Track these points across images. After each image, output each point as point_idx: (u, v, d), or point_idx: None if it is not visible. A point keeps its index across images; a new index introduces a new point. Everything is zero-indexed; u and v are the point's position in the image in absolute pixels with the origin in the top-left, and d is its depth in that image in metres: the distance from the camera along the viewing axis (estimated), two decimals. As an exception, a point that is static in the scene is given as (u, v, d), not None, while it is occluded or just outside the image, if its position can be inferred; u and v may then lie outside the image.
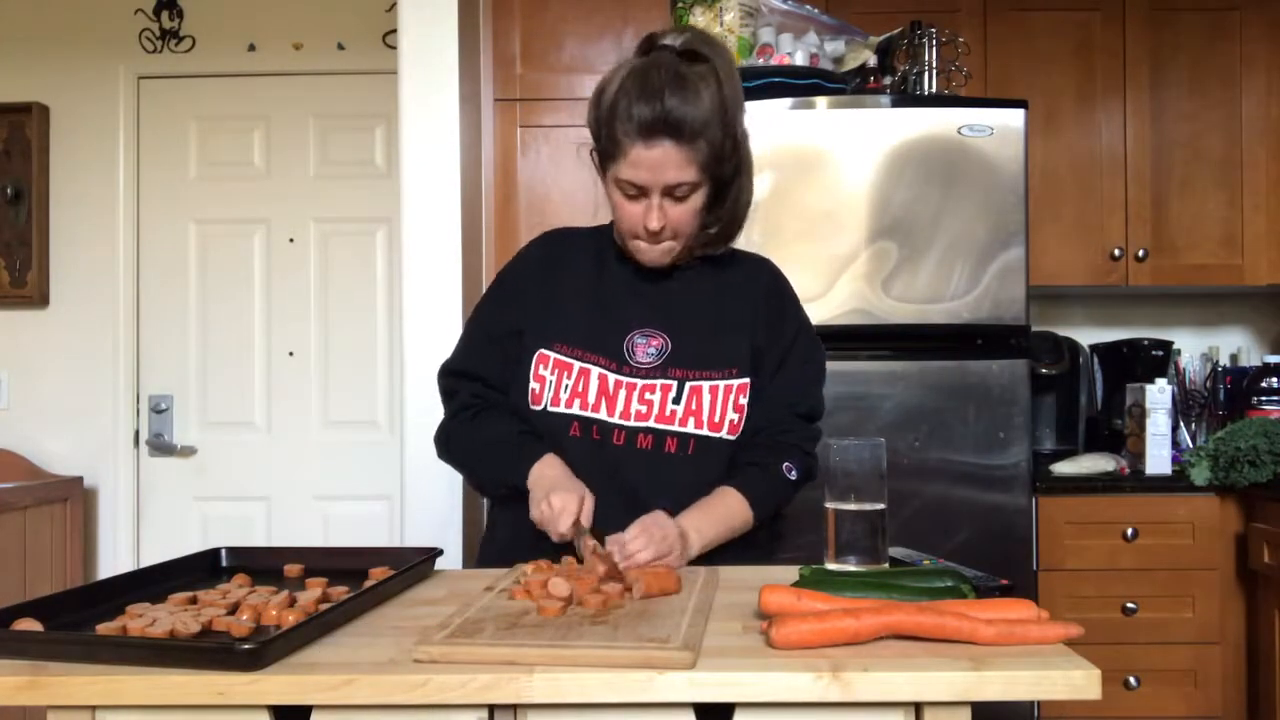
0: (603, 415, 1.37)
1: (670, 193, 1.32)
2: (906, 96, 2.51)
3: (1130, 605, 2.47)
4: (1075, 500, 2.50)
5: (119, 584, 1.13)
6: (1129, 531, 2.48)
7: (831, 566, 1.19)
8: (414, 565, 1.24)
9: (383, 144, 3.17)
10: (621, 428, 1.37)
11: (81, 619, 1.01)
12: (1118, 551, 2.49)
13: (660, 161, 1.29)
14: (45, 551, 2.89)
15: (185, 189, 3.20)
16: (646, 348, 1.40)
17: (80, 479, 3.08)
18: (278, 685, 0.86)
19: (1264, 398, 2.72)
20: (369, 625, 1.04)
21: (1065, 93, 2.85)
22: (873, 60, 2.55)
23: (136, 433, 3.17)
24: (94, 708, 0.88)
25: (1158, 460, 2.58)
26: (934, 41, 2.53)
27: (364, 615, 1.07)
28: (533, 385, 1.40)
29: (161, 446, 3.16)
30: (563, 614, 1.03)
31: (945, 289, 2.34)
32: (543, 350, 1.40)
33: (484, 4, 2.43)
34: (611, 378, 1.38)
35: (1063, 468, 2.59)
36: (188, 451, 3.17)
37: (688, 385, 1.38)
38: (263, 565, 1.26)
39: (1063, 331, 2.98)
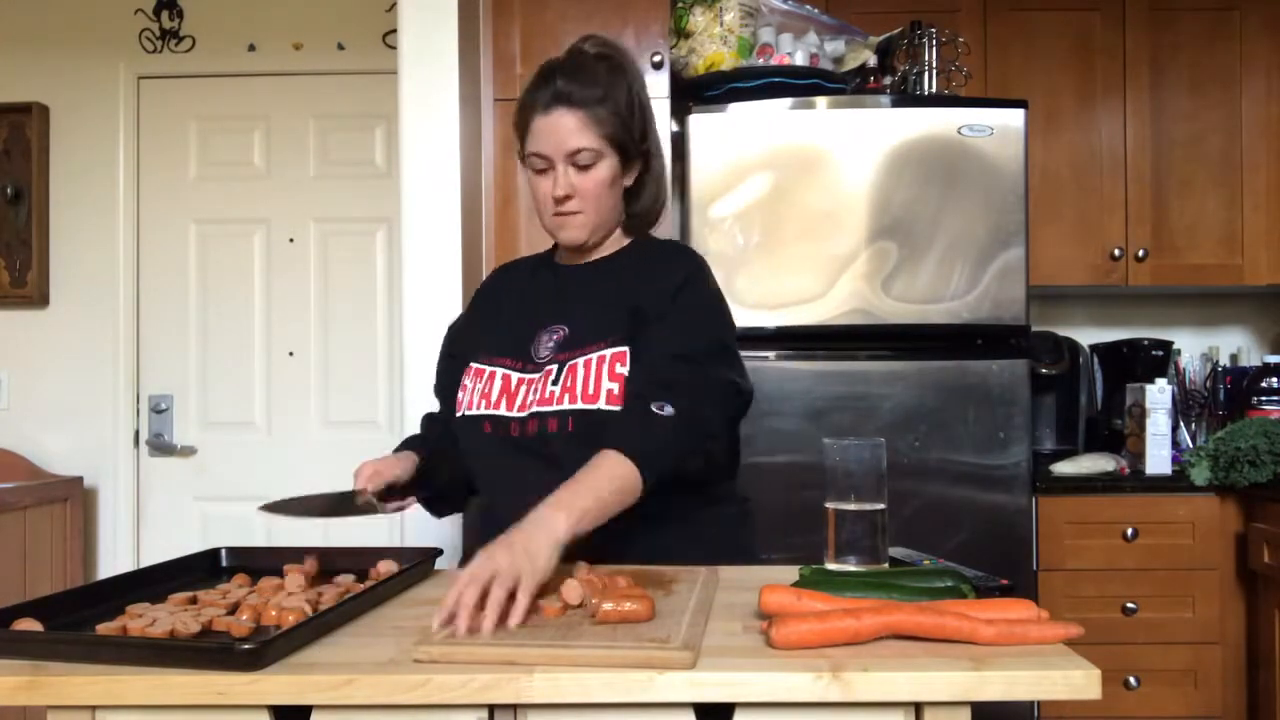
0: (502, 411, 1.39)
1: (573, 161, 1.38)
2: (906, 96, 2.51)
3: (1130, 605, 2.47)
4: (1075, 500, 2.50)
5: (119, 584, 1.13)
6: (1129, 531, 2.48)
7: (831, 566, 1.19)
8: (414, 565, 1.24)
9: (383, 144, 3.17)
10: (516, 419, 1.38)
11: (81, 619, 1.02)
12: (1118, 551, 2.49)
13: (557, 126, 1.36)
14: (45, 551, 2.89)
15: (185, 189, 3.20)
16: (548, 341, 1.42)
17: (80, 479, 3.08)
18: (278, 685, 0.86)
19: (1264, 398, 2.72)
20: (369, 625, 1.04)
21: (1065, 93, 2.85)
22: (873, 60, 2.55)
23: (136, 433, 3.17)
24: (94, 708, 0.88)
25: (1158, 460, 2.58)
26: (934, 41, 2.53)
27: (364, 615, 1.08)
28: (460, 395, 1.46)
29: (161, 446, 3.16)
30: (563, 614, 1.03)
31: (945, 289, 2.34)
32: (471, 363, 1.47)
33: (484, 4, 2.43)
34: (515, 376, 1.41)
35: (1063, 468, 2.59)
36: (188, 451, 3.17)
37: (566, 365, 1.37)
38: (263, 565, 1.26)
39: (1063, 331, 2.98)
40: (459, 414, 1.44)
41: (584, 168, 1.39)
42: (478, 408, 1.41)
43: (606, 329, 1.38)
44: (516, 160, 2.32)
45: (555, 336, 1.42)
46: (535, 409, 1.36)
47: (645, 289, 1.40)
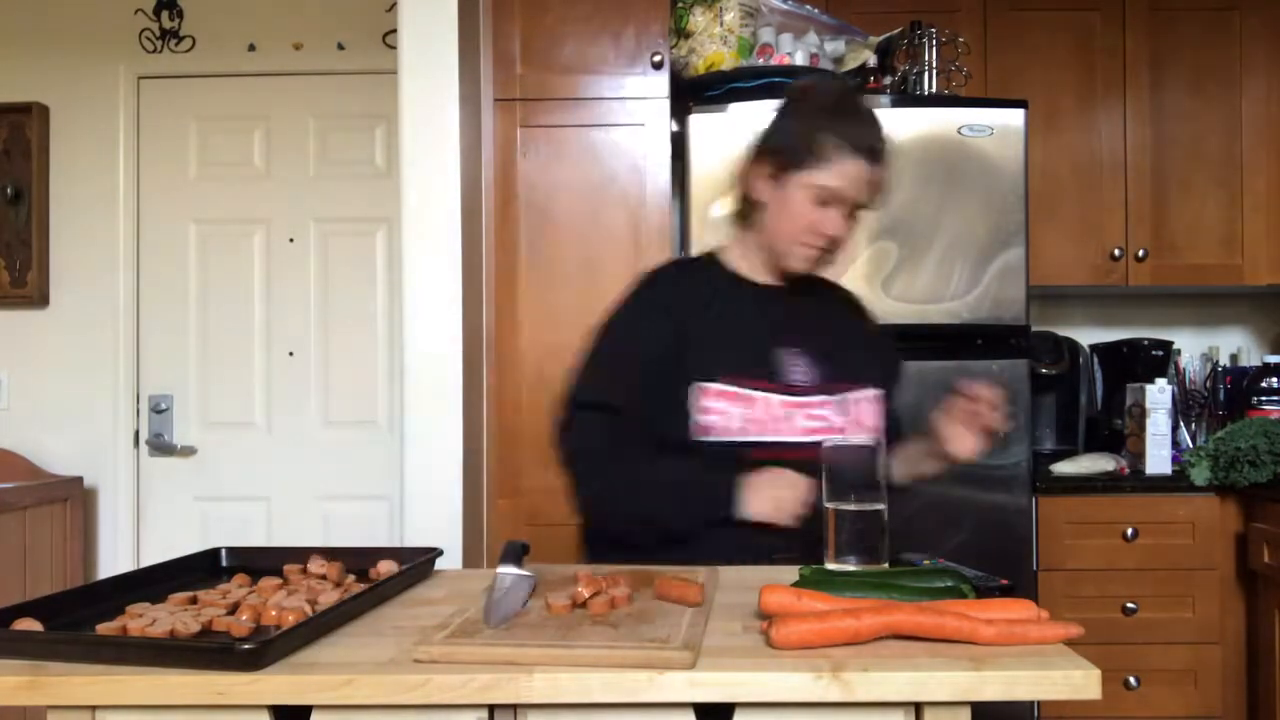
0: (785, 436, 1.43)
1: (852, 210, 1.46)
2: (906, 96, 2.51)
3: (1130, 605, 2.47)
4: (1075, 500, 2.50)
5: (119, 584, 1.13)
6: (1129, 531, 2.48)
7: (831, 566, 1.19)
8: (414, 565, 1.24)
9: (383, 144, 3.17)
10: (800, 445, 1.41)
11: (81, 619, 1.01)
12: (1118, 551, 2.49)
13: (864, 178, 1.44)
14: (45, 551, 2.89)
15: (185, 189, 3.20)
16: (800, 368, 1.48)
17: (80, 479, 3.08)
18: (278, 685, 0.86)
19: (1264, 398, 2.72)
20: (369, 625, 1.04)
21: (1065, 93, 2.85)
22: (873, 60, 2.55)
23: (136, 433, 3.17)
24: (94, 708, 0.88)
25: (1158, 460, 2.58)
26: (934, 41, 2.53)
27: (364, 615, 1.08)
28: (701, 419, 1.42)
29: (161, 446, 3.16)
30: (569, 613, 1.03)
31: (945, 289, 2.34)
32: (702, 384, 1.43)
33: (484, 4, 2.43)
34: (778, 399, 1.44)
35: (1063, 468, 2.59)
36: (188, 451, 3.17)
37: (844, 399, 1.48)
38: (263, 565, 1.25)
39: (1063, 331, 2.98)
40: (709, 438, 1.41)
41: (853, 218, 1.48)
42: (749, 433, 1.43)
43: (866, 372, 1.53)
44: (517, 160, 2.31)
45: (804, 361, 1.48)
46: (833, 439, 1.37)
47: (877, 344, 1.64)
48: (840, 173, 1.42)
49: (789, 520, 1.36)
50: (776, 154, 1.47)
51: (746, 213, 1.54)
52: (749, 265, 1.56)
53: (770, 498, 1.37)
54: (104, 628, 0.97)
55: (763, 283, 1.55)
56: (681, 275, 1.60)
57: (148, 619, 0.99)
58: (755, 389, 1.44)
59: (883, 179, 1.47)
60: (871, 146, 1.43)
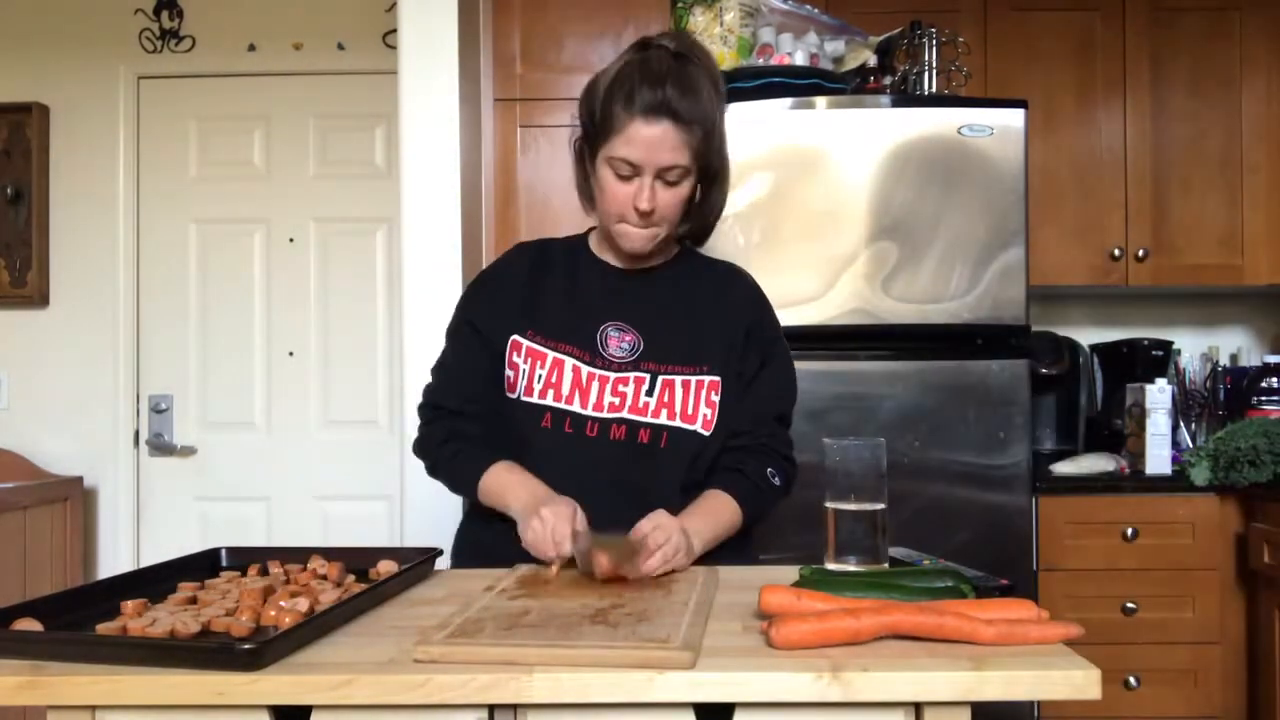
0: (576, 407, 1.38)
1: (662, 175, 1.35)
2: (906, 96, 2.51)
3: (1130, 605, 2.47)
4: (1075, 500, 2.50)
5: (119, 584, 1.13)
6: (1129, 531, 2.48)
7: (831, 566, 1.19)
8: (414, 565, 1.24)
9: (383, 144, 3.17)
10: (595, 419, 1.38)
11: (81, 619, 1.01)
12: (1118, 551, 2.49)
13: (658, 140, 1.32)
14: (45, 551, 2.89)
15: (185, 189, 3.20)
16: (620, 342, 1.41)
17: (80, 479, 3.08)
18: (277, 685, 0.86)
19: (1264, 398, 2.72)
20: (369, 625, 1.04)
21: (1065, 93, 2.85)
22: (873, 60, 2.55)
23: (136, 433, 3.17)
24: (94, 708, 0.88)
25: (1158, 460, 2.58)
26: (934, 41, 2.53)
27: (364, 615, 1.07)
28: (507, 373, 1.42)
29: (161, 446, 3.16)
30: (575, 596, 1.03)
31: (945, 289, 2.34)
32: (516, 337, 1.43)
33: (484, 4, 2.43)
34: (585, 369, 1.39)
35: (1063, 468, 2.59)
36: (188, 451, 3.17)
37: (660, 378, 1.39)
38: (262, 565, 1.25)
39: (1063, 331, 2.98)
40: (512, 395, 1.41)
41: (671, 184, 1.37)
42: (544, 397, 1.39)
43: (699, 355, 1.42)
44: (517, 160, 2.32)
45: (627, 338, 1.42)
46: (626, 415, 1.37)
47: (726, 319, 1.46)
48: (631, 140, 1.32)
49: (547, 557, 1.23)
50: (583, 134, 1.42)
51: (590, 197, 1.48)
52: (600, 246, 1.52)
53: (528, 522, 1.26)
54: (104, 628, 0.97)
55: (616, 265, 1.49)
56: (539, 250, 1.54)
57: (147, 619, 0.99)
58: (561, 352, 1.40)
59: (698, 138, 1.33)
60: (663, 105, 1.30)
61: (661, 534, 1.22)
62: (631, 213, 1.37)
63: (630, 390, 1.38)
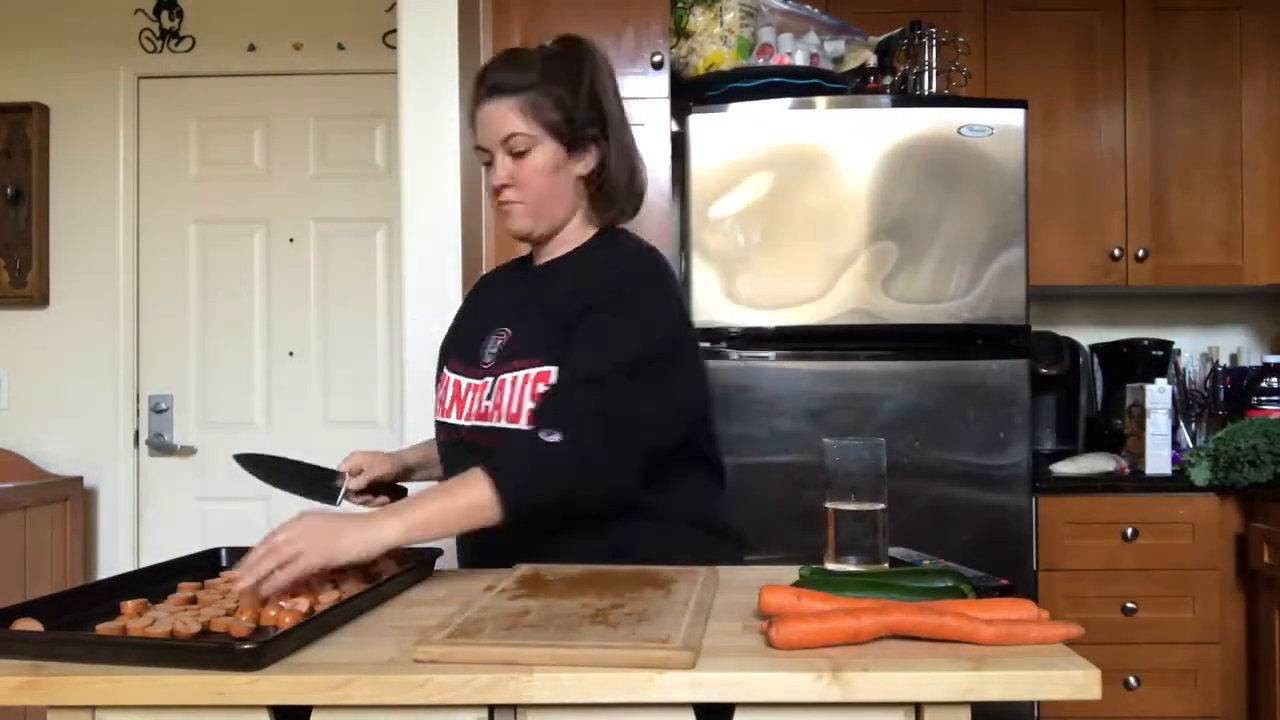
0: (453, 419, 1.42)
1: (509, 149, 1.38)
2: (906, 96, 2.51)
3: (1130, 605, 2.47)
4: (1075, 500, 2.50)
5: (119, 584, 1.13)
6: (1129, 531, 2.48)
7: (831, 566, 1.19)
8: (414, 565, 1.24)
9: (383, 144, 3.17)
10: (458, 428, 1.41)
11: (81, 619, 1.01)
12: (1118, 551, 2.49)
13: (491, 116, 1.38)
14: (45, 551, 2.89)
15: (185, 189, 3.20)
16: (491, 347, 1.41)
17: (80, 479, 3.08)
18: (277, 685, 0.86)
19: (1264, 398, 2.72)
20: (369, 625, 1.04)
21: (1065, 93, 2.85)
22: (873, 60, 2.55)
23: (136, 433, 3.17)
24: (94, 708, 0.88)
25: (1158, 460, 2.58)
26: (934, 41, 2.53)
27: (364, 615, 1.07)
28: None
29: (161, 446, 3.16)
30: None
31: (945, 289, 2.34)
32: (444, 368, 1.49)
33: (484, 4, 2.43)
34: (465, 382, 1.42)
35: (1063, 468, 2.59)
36: (188, 451, 3.17)
37: (500, 379, 1.35)
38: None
39: (1063, 331, 2.98)
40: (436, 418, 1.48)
41: (519, 154, 1.38)
42: (439, 415, 1.45)
43: (534, 346, 1.34)
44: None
45: (500, 341, 1.40)
46: (475, 422, 1.38)
47: (582, 298, 1.33)
48: (476, 127, 1.41)
49: (268, 588, 1.06)
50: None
51: None
52: (535, 251, 1.52)
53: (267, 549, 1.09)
54: (104, 628, 0.97)
55: (536, 262, 1.50)
56: (498, 269, 1.64)
57: (147, 619, 0.99)
58: (453, 370, 1.45)
59: (534, 103, 1.35)
60: (490, 87, 1.38)
61: (265, 552, 1.08)
62: (495, 196, 1.42)
63: (484, 395, 1.37)
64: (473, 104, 1.41)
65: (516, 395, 1.31)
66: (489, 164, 1.41)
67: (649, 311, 1.34)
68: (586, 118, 1.38)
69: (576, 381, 1.26)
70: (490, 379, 1.37)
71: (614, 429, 1.24)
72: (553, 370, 1.30)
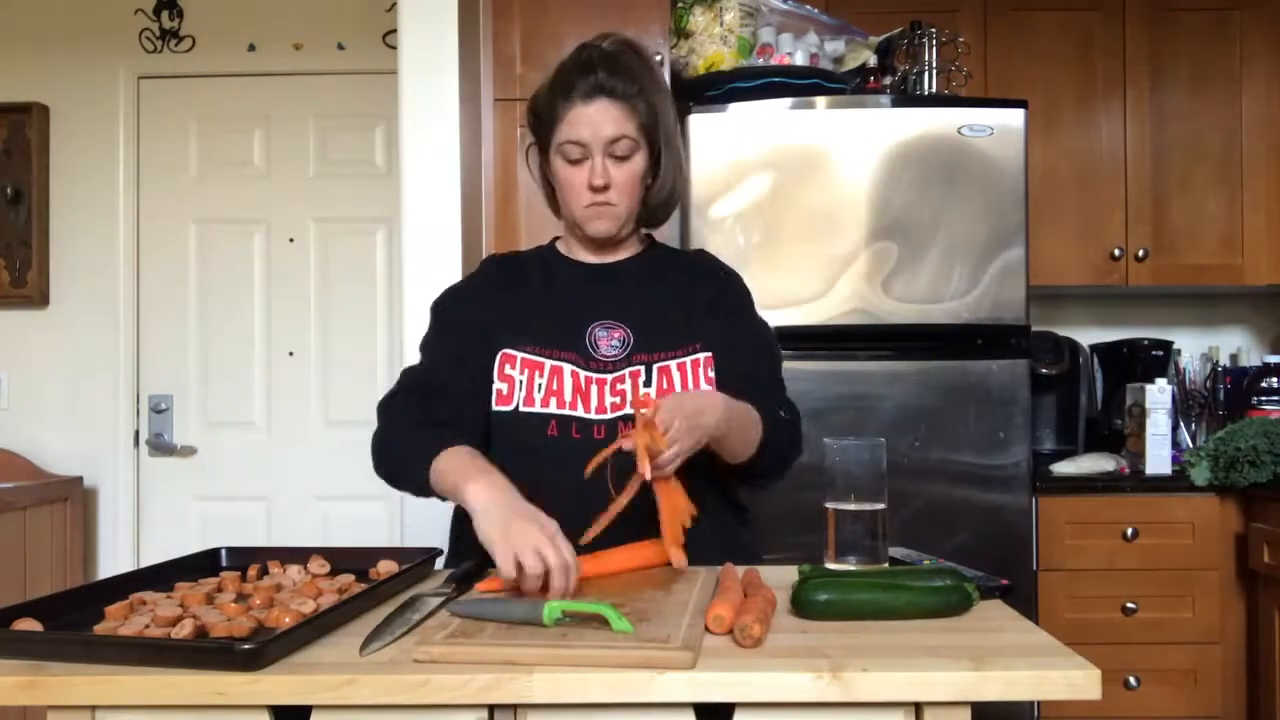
0: (580, 412, 1.36)
1: (611, 151, 1.38)
2: (906, 96, 2.51)
3: (1130, 605, 2.47)
4: (1075, 500, 2.50)
5: (119, 584, 1.13)
6: (1129, 531, 2.48)
7: (831, 566, 1.19)
8: (414, 565, 1.24)
9: (383, 144, 3.17)
10: (601, 422, 1.36)
11: (81, 619, 1.01)
12: (1118, 551, 2.49)
13: (599, 114, 1.37)
14: (45, 551, 2.89)
15: (185, 189, 3.20)
16: (610, 340, 1.41)
17: (80, 479, 3.08)
18: (278, 685, 0.86)
19: (1264, 398, 2.72)
20: (369, 625, 1.04)
21: (1065, 93, 2.85)
22: (873, 60, 2.55)
23: (136, 433, 3.17)
24: (94, 708, 0.88)
25: (1158, 460, 2.58)
26: (934, 41, 2.53)
27: (364, 615, 1.07)
28: (499, 386, 1.39)
29: (161, 446, 3.16)
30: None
31: (945, 289, 2.34)
32: (507, 350, 1.40)
33: (484, 4, 2.43)
34: (582, 374, 1.39)
35: (1063, 468, 2.59)
36: (188, 451, 3.17)
37: (655, 367, 1.39)
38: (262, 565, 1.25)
39: (1063, 331, 2.98)
40: (505, 408, 1.38)
41: (621, 158, 1.39)
42: (547, 405, 1.37)
43: (687, 335, 1.41)
44: (519, 158, 2.30)
45: (616, 335, 1.41)
46: (629, 412, 1.33)
47: (702, 293, 1.47)
48: (574, 122, 1.38)
49: (530, 585, 1.07)
50: (534, 135, 1.47)
51: (554, 201, 1.52)
52: (570, 248, 1.53)
53: (498, 547, 1.09)
54: (103, 628, 0.97)
55: (588, 261, 1.50)
56: (512, 260, 1.56)
57: (146, 619, 0.99)
58: (556, 359, 1.39)
59: (640, 113, 1.38)
60: (596, 85, 1.37)
61: (665, 415, 1.17)
62: (588, 194, 1.40)
63: (628, 387, 1.37)
64: (566, 98, 1.38)
65: (689, 380, 1.39)
66: (578, 161, 1.40)
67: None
68: (668, 135, 1.44)
69: (773, 380, 1.48)
70: (642, 369, 1.38)
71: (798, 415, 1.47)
72: (712, 356, 1.41)
